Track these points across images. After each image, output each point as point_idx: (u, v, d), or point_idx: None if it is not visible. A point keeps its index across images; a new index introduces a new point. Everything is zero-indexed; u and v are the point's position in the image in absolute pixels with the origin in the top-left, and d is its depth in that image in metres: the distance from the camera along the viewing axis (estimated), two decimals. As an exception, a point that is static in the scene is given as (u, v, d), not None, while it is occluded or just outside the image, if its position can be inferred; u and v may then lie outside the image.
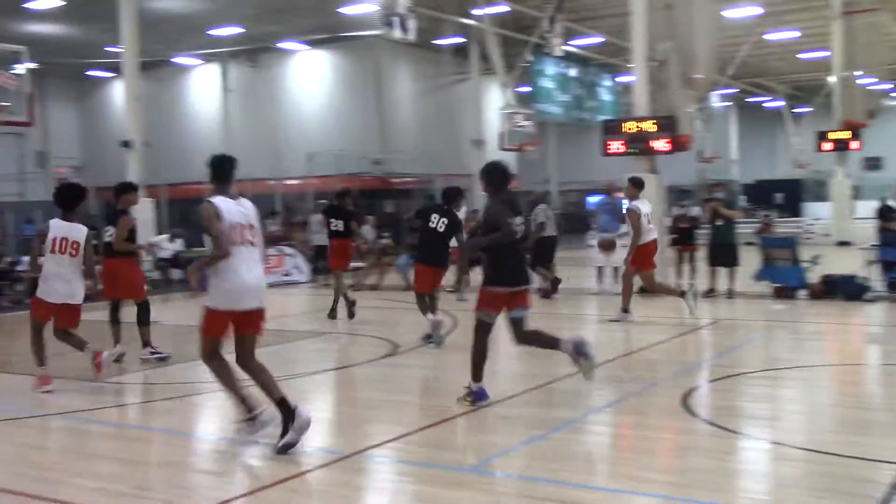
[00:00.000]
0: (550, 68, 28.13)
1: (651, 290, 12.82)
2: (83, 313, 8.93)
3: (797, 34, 31.26)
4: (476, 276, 14.38)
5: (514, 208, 7.34)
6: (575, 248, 25.71)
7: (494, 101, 30.49)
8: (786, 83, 43.14)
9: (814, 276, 14.32)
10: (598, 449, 6.54)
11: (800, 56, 35.54)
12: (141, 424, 7.62)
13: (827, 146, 27.74)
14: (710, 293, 14.58)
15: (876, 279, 14.03)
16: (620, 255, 15.88)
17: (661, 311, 13.12)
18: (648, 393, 8.05)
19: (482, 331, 7.31)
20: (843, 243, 24.99)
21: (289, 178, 29.22)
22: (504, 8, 26.55)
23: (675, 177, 23.32)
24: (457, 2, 26.02)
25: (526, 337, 7.48)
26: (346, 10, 25.40)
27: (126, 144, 20.19)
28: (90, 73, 36.16)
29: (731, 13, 24.49)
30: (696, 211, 15.72)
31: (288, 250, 21.01)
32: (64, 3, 23.81)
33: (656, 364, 9.70)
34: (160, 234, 21.18)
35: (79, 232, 8.56)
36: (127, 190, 10.37)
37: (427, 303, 10.85)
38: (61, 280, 8.50)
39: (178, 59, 33.69)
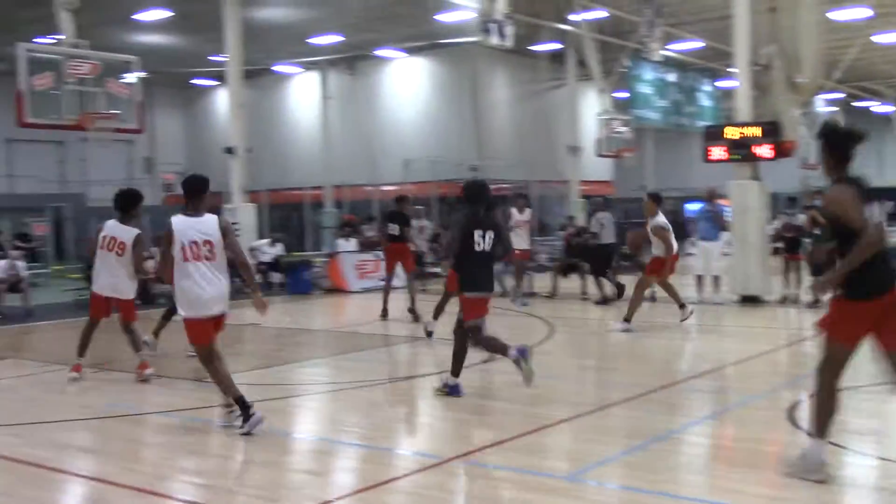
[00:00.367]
0: (648, 73, 27.76)
1: (665, 288, 12.99)
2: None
3: (908, 36, 30.13)
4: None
5: (483, 223, 8.05)
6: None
7: (591, 107, 30.23)
8: (895, 87, 41.65)
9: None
10: (699, 460, 6.43)
11: (910, 59, 34.27)
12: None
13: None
14: (815, 304, 14.15)
15: None
16: (722, 263, 15.66)
17: (763, 321, 12.82)
18: (751, 404, 7.87)
19: (477, 332, 8.01)
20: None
21: (386, 185, 29.56)
22: (602, 13, 26.31)
23: (777, 184, 22.71)
24: (554, 7, 25.90)
25: (481, 341, 8.16)
26: (443, 18, 25.58)
27: (229, 151, 20.72)
28: (195, 81, 37.30)
29: (838, 15, 23.75)
30: (801, 219, 15.32)
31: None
32: (171, 14, 24.64)
33: (759, 375, 9.46)
34: (261, 238, 21.65)
35: (127, 234, 9.18)
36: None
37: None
38: (107, 274, 9.21)
39: (278, 68, 34.48)
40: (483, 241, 8.05)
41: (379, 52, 31.73)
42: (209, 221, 6.94)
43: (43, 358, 11.39)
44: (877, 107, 44.94)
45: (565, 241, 18.34)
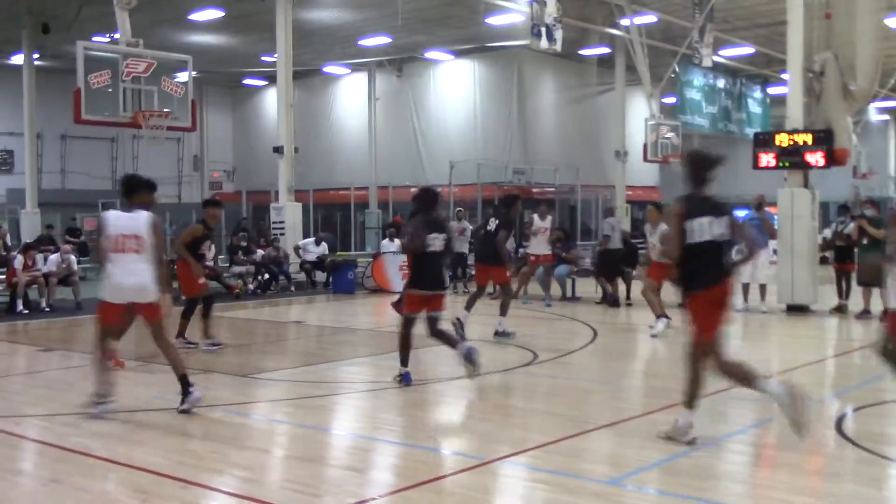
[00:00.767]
0: (698, 79, 27.56)
1: (644, 295, 12.90)
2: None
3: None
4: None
5: (435, 226, 8.77)
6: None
7: (639, 113, 30.03)
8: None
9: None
10: (742, 468, 6.36)
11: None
12: (290, 420, 7.87)
13: None
14: (865, 314, 13.94)
15: None
16: (769, 271, 15.46)
17: (811, 330, 12.65)
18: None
19: (407, 325, 8.77)
20: None
21: (431, 186, 29.55)
22: (651, 18, 26.14)
23: (828, 192, 22.43)
24: (604, 12, 25.80)
25: (436, 333, 8.87)
26: (493, 21, 25.60)
27: (277, 150, 20.93)
28: (245, 81, 37.70)
29: (894, 21, 23.35)
30: (850, 228, 15.08)
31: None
32: (223, 14, 24.95)
33: (807, 385, 9.33)
34: (306, 237, 21.84)
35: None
36: (208, 205, 11.65)
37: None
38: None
39: (327, 69, 34.73)
40: (435, 243, 8.77)
41: (427, 54, 31.84)
42: (140, 218, 7.57)
43: (91, 350, 11.55)
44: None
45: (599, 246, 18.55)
